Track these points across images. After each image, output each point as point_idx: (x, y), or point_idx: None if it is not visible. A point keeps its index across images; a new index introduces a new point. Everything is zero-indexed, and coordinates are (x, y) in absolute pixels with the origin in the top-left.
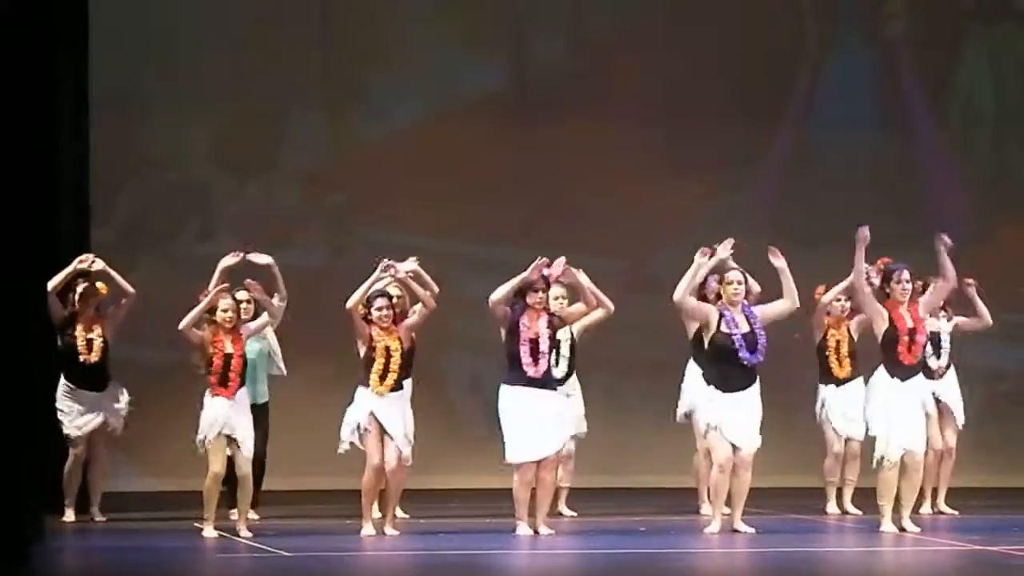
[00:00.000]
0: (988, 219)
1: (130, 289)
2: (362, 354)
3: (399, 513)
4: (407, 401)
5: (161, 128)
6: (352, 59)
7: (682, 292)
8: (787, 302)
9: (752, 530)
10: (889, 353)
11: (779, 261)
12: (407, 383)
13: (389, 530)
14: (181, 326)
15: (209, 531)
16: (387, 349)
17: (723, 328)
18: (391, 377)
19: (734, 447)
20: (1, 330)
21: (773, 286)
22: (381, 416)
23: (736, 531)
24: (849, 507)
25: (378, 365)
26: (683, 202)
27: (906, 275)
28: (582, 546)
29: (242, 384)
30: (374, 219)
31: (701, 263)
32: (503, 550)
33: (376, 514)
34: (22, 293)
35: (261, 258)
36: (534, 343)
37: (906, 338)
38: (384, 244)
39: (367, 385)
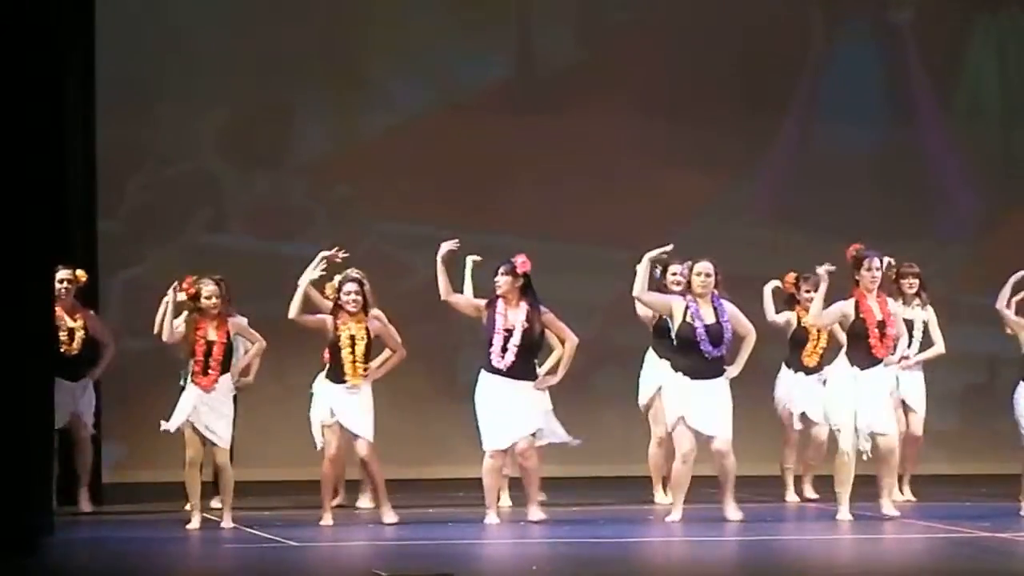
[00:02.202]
0: (995, 208)
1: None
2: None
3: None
4: (369, 393)
5: (168, 121)
6: (358, 51)
7: (640, 287)
8: (750, 333)
9: (740, 516)
10: (858, 345)
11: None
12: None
13: (390, 517)
14: (164, 338)
15: (195, 520)
16: (352, 338)
17: (688, 319)
18: (360, 365)
19: (705, 436)
20: (9, 323)
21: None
22: (339, 410)
23: (727, 519)
24: (809, 492)
25: (347, 354)
26: (688, 192)
27: (877, 263)
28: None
29: (224, 372)
30: (381, 210)
31: (648, 256)
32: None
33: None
34: (30, 286)
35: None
36: (508, 333)
37: (876, 331)
38: (391, 235)
39: (330, 377)
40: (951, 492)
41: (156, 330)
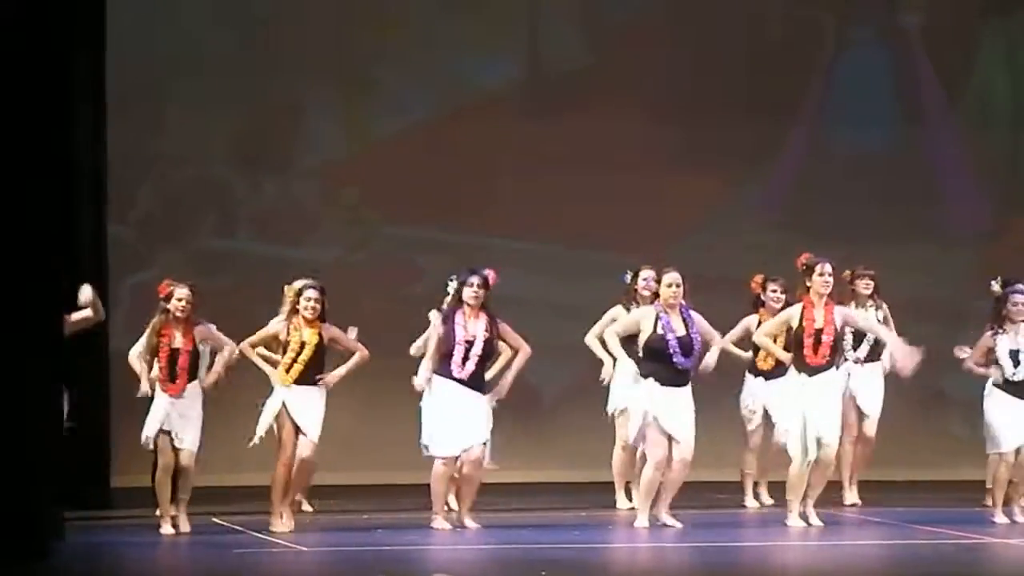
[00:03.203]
0: (1003, 213)
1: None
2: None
3: (305, 507)
4: (322, 396)
5: (178, 125)
6: (366, 56)
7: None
8: (715, 339)
9: (679, 524)
10: (796, 352)
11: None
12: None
13: (283, 526)
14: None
15: (165, 527)
16: (302, 344)
17: (659, 330)
18: (296, 370)
19: (671, 439)
20: (20, 329)
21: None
22: (292, 409)
23: (664, 524)
24: (765, 498)
25: (290, 357)
26: (697, 197)
27: (828, 268)
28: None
29: (192, 378)
30: (389, 214)
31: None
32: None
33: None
34: (42, 291)
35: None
36: (469, 344)
37: (811, 340)
38: (399, 239)
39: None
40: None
41: (137, 365)
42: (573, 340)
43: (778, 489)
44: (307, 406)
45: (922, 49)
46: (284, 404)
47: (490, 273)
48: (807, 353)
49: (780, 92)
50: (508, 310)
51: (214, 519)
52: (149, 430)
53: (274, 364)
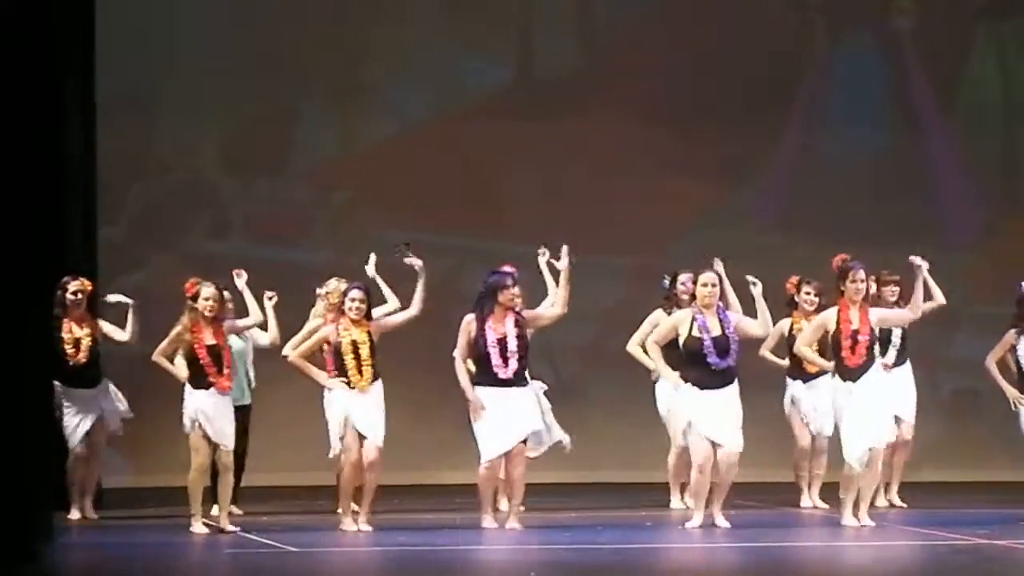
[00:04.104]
0: (996, 214)
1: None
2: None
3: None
4: (380, 396)
5: (169, 128)
6: (359, 58)
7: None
8: (761, 327)
9: (728, 524)
10: (836, 356)
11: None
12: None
13: (364, 525)
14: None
15: (198, 527)
16: (354, 343)
17: (695, 332)
18: (367, 372)
19: (714, 444)
20: (6, 331)
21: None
22: (355, 414)
23: (715, 525)
24: (817, 501)
25: (350, 359)
26: (690, 199)
27: (861, 274)
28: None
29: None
30: (381, 217)
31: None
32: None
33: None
34: (28, 293)
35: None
36: (502, 343)
37: (848, 341)
38: (391, 241)
39: (340, 384)
40: (945, 500)
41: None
42: (568, 342)
43: (828, 490)
44: (369, 408)
45: (915, 52)
46: (348, 409)
47: (512, 269)
48: (845, 355)
49: (773, 95)
50: None
51: (205, 520)
52: (191, 427)
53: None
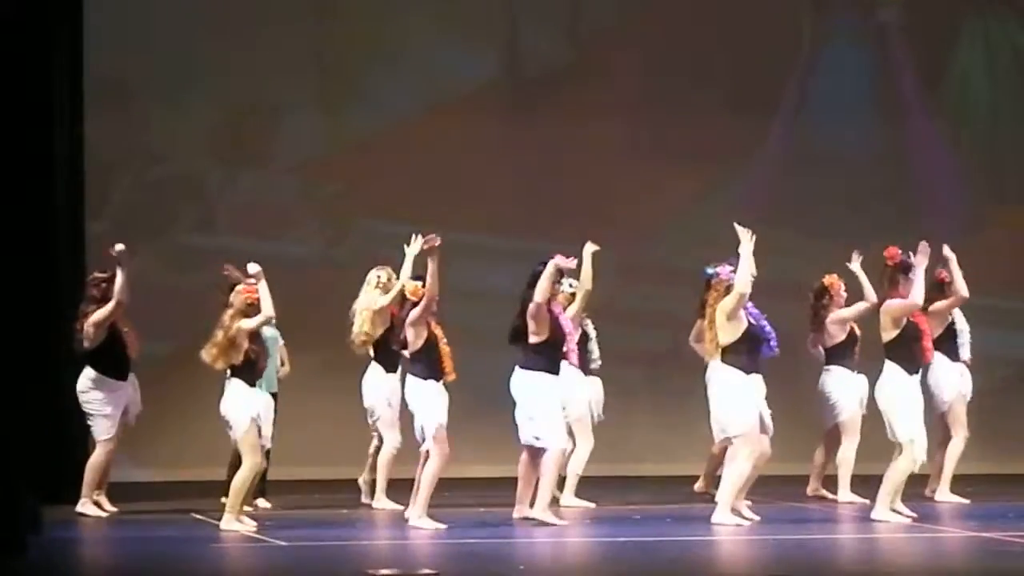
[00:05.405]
0: (981, 208)
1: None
2: (419, 347)
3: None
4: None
5: (156, 120)
6: (347, 52)
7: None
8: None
9: (757, 517)
10: (910, 350)
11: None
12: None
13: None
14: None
15: (247, 522)
16: (434, 336)
17: (751, 320)
18: (448, 363)
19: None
20: None
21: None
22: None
23: (743, 517)
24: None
25: (444, 344)
26: (676, 192)
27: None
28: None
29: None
30: (368, 210)
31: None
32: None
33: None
34: (17, 284)
35: (252, 267)
36: (570, 331)
37: (926, 338)
38: (378, 235)
39: (438, 379)
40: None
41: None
42: None
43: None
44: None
45: (901, 45)
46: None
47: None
48: (926, 346)
49: (759, 89)
50: (488, 306)
51: (193, 514)
52: (249, 425)
53: None
